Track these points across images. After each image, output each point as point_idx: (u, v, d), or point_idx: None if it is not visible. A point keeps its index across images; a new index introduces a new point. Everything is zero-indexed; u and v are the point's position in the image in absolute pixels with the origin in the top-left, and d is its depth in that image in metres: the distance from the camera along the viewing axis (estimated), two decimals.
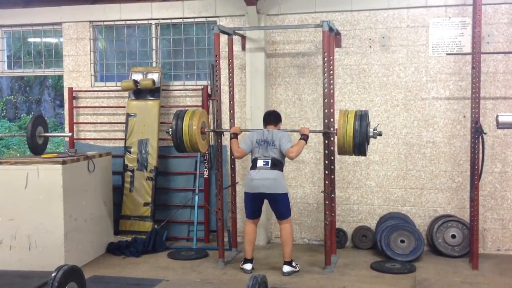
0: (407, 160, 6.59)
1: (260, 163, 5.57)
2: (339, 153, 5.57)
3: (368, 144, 5.41)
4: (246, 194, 5.68)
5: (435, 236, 6.23)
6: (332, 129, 5.61)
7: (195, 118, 5.78)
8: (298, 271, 5.68)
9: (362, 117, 5.34)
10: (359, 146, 5.33)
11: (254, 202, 5.67)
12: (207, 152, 6.84)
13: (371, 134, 5.35)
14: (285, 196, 5.60)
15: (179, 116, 5.82)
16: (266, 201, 5.76)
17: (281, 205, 5.60)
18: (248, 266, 5.68)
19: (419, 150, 6.55)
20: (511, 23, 6.27)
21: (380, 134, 5.45)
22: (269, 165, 5.53)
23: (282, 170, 5.64)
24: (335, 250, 6.14)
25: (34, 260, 5.63)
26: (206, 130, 5.98)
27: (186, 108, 6.14)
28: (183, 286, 5.34)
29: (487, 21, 6.24)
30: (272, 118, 5.84)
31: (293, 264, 5.68)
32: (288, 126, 6.66)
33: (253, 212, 5.71)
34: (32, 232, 5.65)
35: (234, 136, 5.84)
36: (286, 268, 5.61)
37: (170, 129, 5.83)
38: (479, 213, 5.84)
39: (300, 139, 5.59)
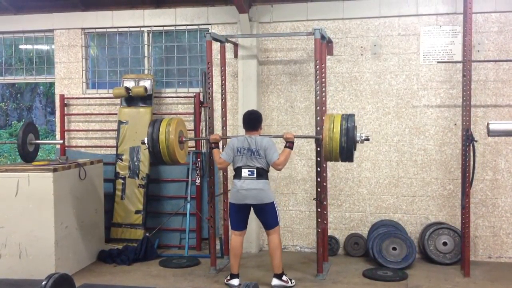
0: (399, 167, 6.61)
1: (244, 172, 5.30)
2: (326, 159, 5.38)
3: (355, 149, 5.20)
4: (231, 204, 5.42)
5: (427, 243, 6.24)
6: (321, 136, 5.52)
7: (172, 126, 5.47)
8: (291, 286, 5.41)
9: (348, 121, 5.09)
10: (346, 151, 5.09)
11: (240, 213, 5.41)
12: (199, 159, 6.83)
13: (358, 138, 5.11)
14: (272, 206, 5.35)
15: (155, 125, 5.52)
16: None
17: (268, 215, 5.36)
18: (235, 282, 5.38)
19: (411, 157, 6.58)
20: (501, 31, 6.33)
21: (367, 139, 5.20)
22: (255, 175, 5.28)
23: (267, 179, 5.41)
24: (327, 257, 6.13)
25: (25, 268, 5.59)
26: (184, 139, 5.73)
27: (163, 117, 5.93)
28: None
29: (477, 30, 6.29)
30: (252, 123, 5.46)
31: (284, 278, 5.39)
32: (279, 133, 6.64)
33: (239, 223, 5.45)
34: (23, 240, 5.62)
35: (215, 146, 5.61)
36: (275, 281, 5.34)
37: (146, 139, 5.53)
38: (470, 220, 5.86)
39: (285, 147, 5.36)
